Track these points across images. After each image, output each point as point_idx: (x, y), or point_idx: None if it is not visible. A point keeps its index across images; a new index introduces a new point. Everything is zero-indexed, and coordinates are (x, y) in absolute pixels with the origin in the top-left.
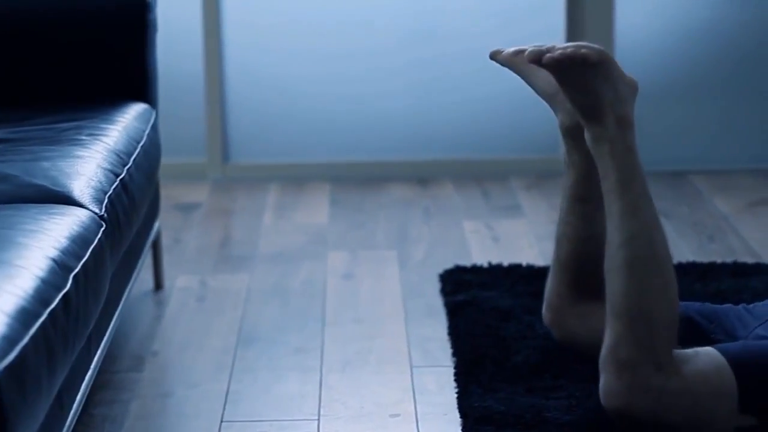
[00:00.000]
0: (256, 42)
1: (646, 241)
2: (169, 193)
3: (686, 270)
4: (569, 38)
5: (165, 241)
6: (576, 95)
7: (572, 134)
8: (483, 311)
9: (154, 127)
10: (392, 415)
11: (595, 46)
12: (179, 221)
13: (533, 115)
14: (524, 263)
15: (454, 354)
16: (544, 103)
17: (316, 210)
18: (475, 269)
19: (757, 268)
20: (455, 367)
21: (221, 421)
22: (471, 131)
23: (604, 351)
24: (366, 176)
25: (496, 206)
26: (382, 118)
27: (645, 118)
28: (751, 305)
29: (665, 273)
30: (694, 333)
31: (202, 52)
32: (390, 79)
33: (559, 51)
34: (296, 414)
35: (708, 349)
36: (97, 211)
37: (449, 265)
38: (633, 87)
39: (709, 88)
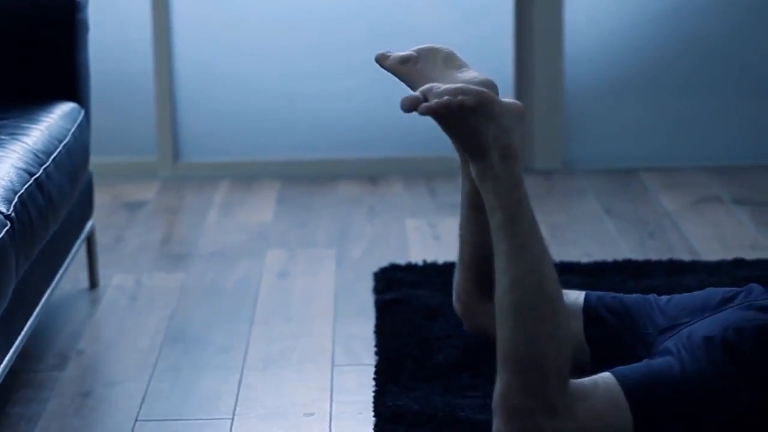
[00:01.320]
0: (206, 40)
1: (534, 283)
2: (118, 192)
3: (621, 267)
4: (518, 37)
5: (107, 240)
6: (456, 137)
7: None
8: (411, 310)
9: (81, 126)
10: (306, 414)
11: (474, 88)
12: (124, 219)
13: None
14: None
15: (377, 353)
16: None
17: (261, 208)
18: (410, 267)
19: (692, 266)
20: (376, 366)
21: (136, 420)
22: (421, 129)
23: (495, 396)
24: (316, 174)
25: (442, 204)
26: (333, 116)
27: (596, 116)
28: (665, 299)
29: (555, 314)
30: (603, 333)
31: (152, 51)
32: (341, 77)
33: (435, 101)
34: (212, 413)
35: (606, 380)
36: (3, 210)
37: (386, 264)
38: (517, 113)
39: (660, 87)
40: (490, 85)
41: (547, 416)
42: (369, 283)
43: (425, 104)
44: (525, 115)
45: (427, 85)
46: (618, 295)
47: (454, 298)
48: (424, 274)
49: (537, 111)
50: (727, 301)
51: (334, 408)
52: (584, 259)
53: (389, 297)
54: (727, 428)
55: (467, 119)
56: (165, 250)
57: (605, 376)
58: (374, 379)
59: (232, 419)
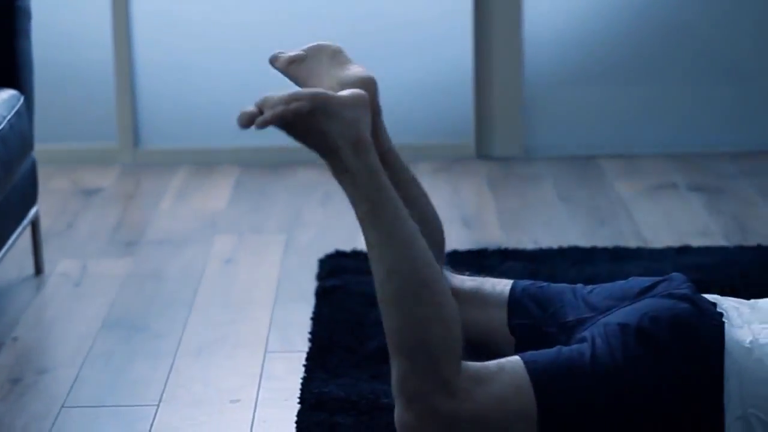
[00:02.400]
0: (166, 26)
1: (408, 269)
2: (77, 178)
3: (566, 254)
4: (477, 24)
5: (59, 226)
6: (303, 142)
7: None
8: (350, 296)
9: (20, 114)
10: (232, 401)
11: (306, 91)
12: (79, 206)
13: (445, 100)
14: None
15: (310, 339)
16: (457, 89)
17: (217, 194)
18: (354, 254)
19: (637, 253)
20: (307, 353)
21: (62, 407)
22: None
23: (393, 384)
24: (276, 161)
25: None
26: None
27: (557, 103)
28: (589, 288)
29: (434, 296)
30: (526, 323)
31: (112, 38)
32: None
33: (270, 113)
34: (138, 400)
35: (513, 364)
36: None
37: (332, 250)
38: (361, 103)
39: (621, 74)
40: (371, 82)
41: (444, 397)
42: (314, 270)
43: (261, 117)
44: (369, 102)
45: (261, 98)
46: (543, 284)
47: None
48: (368, 261)
49: (497, 98)
50: (647, 290)
51: (261, 395)
52: (531, 246)
53: (330, 284)
54: (637, 417)
55: (308, 123)
56: (115, 237)
57: (513, 359)
58: (304, 365)
59: (158, 406)
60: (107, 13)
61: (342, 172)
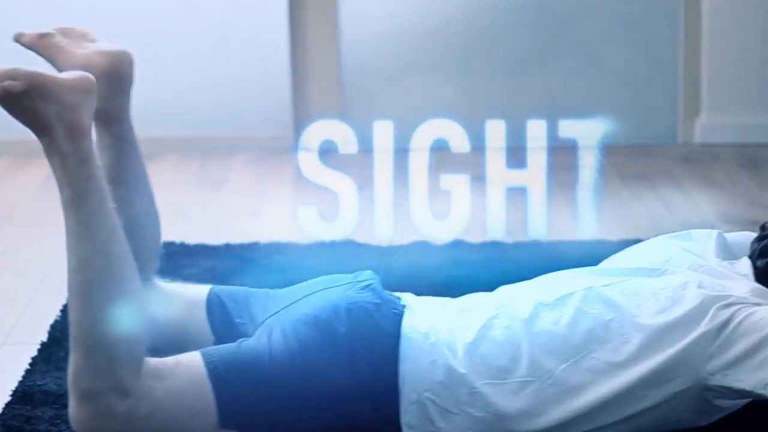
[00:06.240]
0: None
1: (101, 263)
2: None
3: (311, 250)
4: (292, 14)
5: None
6: (16, 118)
7: (100, 118)
8: None
9: None
10: None
11: (24, 70)
12: None
13: (264, 91)
14: (179, 241)
15: (49, 332)
16: (275, 80)
17: (27, 186)
18: None
19: (402, 249)
20: (40, 345)
21: None
22: (199, 108)
23: (68, 378)
24: None
25: (206, 181)
26: None
27: (375, 96)
28: (275, 290)
29: (125, 294)
30: (224, 319)
31: None
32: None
33: None
34: None
35: (192, 359)
36: None
37: None
38: (85, 88)
39: (438, 67)
40: (124, 55)
41: (119, 398)
42: None
43: None
44: (95, 87)
45: None
46: (243, 287)
47: None
48: None
49: (314, 90)
50: (333, 285)
51: None
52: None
53: None
54: (317, 403)
55: (21, 102)
56: None
57: (192, 354)
58: (31, 358)
59: None
60: None
61: (52, 154)
